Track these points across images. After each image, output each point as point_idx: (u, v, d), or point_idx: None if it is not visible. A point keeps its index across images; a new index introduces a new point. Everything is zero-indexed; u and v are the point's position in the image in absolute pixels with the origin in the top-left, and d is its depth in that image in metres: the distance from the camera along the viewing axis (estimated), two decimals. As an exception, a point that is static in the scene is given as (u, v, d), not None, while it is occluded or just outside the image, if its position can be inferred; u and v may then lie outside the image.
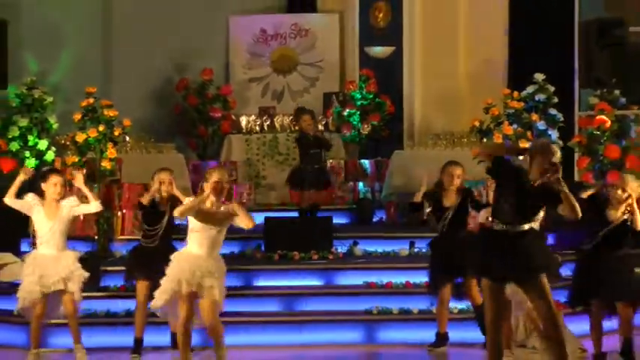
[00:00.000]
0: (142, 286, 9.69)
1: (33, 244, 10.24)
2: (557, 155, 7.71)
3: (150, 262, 9.58)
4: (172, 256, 8.71)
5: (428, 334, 10.12)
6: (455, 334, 9.96)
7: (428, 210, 10.16)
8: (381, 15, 14.72)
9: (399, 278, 10.96)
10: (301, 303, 10.72)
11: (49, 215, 9.56)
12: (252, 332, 10.17)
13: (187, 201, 8.70)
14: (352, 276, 11.13)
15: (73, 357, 9.66)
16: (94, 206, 9.80)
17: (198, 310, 8.71)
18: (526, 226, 7.68)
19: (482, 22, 14.35)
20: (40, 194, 9.63)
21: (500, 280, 7.81)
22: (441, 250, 9.92)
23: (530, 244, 7.71)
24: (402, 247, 11.77)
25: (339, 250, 11.61)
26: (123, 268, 10.25)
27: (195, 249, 8.57)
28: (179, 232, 9.57)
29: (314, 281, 11.14)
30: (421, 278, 10.82)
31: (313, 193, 12.27)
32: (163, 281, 8.61)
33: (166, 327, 9.70)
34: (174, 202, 9.33)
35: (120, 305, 10.43)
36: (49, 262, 9.47)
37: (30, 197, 9.62)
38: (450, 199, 9.93)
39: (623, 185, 9.22)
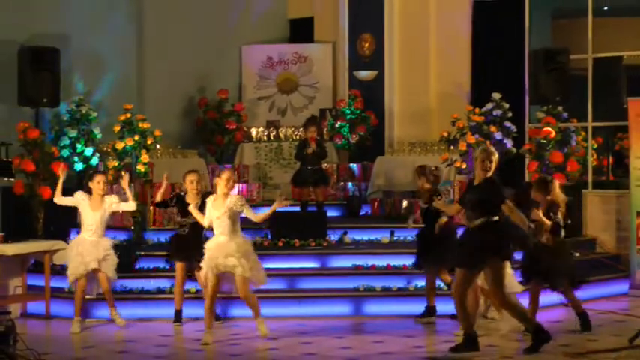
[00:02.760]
0: (179, 266, 9.80)
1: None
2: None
3: (185, 247, 9.67)
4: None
5: (406, 307, 10.16)
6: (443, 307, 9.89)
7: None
8: (366, 45, 14.74)
9: (381, 261, 10.98)
10: (301, 282, 10.74)
11: (94, 207, 9.72)
12: (260, 306, 10.15)
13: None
14: (343, 259, 11.15)
15: (113, 326, 9.72)
16: (132, 206, 10.02)
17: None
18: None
19: (450, 50, 14.36)
20: (88, 191, 9.86)
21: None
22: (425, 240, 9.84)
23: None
24: (384, 236, 11.78)
25: (332, 238, 11.62)
26: (155, 252, 10.28)
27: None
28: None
29: (311, 264, 11.16)
30: (400, 261, 10.87)
31: (312, 190, 12.30)
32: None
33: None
34: (206, 197, 9.38)
35: (152, 284, 10.47)
36: (90, 246, 9.61)
37: (78, 194, 9.87)
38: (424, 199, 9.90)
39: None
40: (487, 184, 8.18)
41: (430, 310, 9.88)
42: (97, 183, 9.81)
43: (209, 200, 9.02)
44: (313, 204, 12.32)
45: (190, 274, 9.85)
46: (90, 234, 9.75)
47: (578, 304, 9.32)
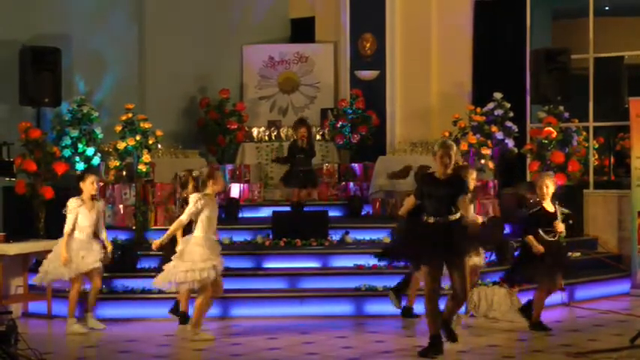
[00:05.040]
0: None
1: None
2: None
3: None
4: None
5: (407, 307, 10.14)
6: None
7: None
8: (368, 45, 14.73)
9: (382, 261, 10.94)
10: (302, 281, 10.73)
11: (89, 209, 9.61)
12: (262, 305, 10.19)
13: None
14: (344, 259, 11.15)
15: (114, 325, 9.70)
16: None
17: None
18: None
19: (451, 50, 14.35)
20: (79, 193, 9.68)
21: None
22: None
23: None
24: (385, 235, 11.75)
25: (334, 238, 11.61)
26: (156, 252, 10.21)
27: None
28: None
29: (313, 264, 11.15)
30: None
31: (303, 190, 12.27)
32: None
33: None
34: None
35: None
36: (85, 247, 9.54)
37: (73, 203, 9.63)
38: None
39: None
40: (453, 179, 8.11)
41: (408, 311, 9.84)
42: (90, 183, 9.69)
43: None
44: (305, 203, 12.27)
45: None
46: (83, 235, 9.66)
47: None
